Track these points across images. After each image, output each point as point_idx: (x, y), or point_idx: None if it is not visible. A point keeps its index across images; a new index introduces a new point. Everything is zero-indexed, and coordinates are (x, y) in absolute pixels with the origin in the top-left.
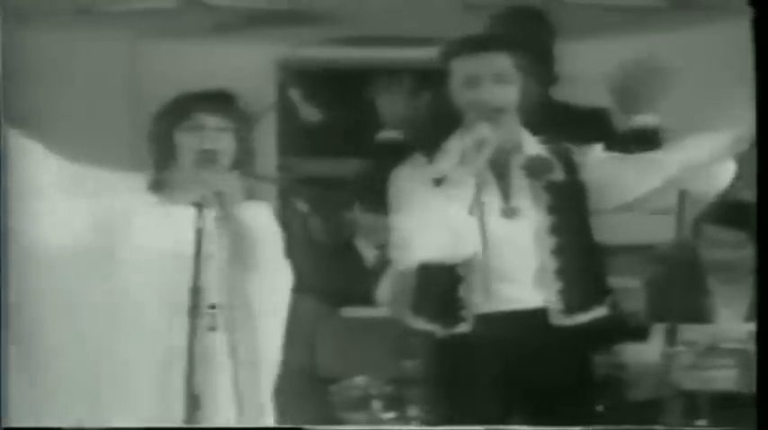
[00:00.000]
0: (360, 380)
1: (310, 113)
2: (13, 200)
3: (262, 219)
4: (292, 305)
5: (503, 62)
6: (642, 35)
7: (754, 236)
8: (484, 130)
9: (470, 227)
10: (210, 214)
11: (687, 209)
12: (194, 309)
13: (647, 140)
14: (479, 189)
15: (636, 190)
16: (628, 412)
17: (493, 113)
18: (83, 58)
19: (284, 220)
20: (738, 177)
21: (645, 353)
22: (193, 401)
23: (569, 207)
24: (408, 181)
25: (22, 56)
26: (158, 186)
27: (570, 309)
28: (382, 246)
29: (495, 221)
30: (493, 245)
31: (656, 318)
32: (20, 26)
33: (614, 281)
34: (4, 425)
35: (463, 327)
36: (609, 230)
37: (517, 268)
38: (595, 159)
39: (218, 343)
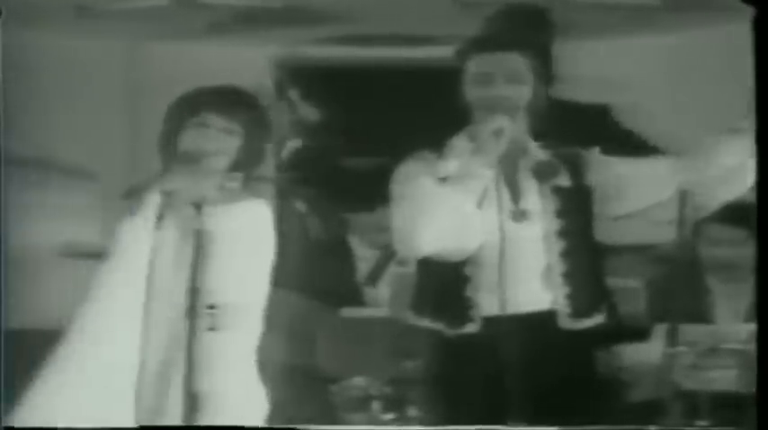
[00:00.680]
0: (359, 380)
1: (309, 113)
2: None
3: (255, 219)
4: (290, 304)
5: (516, 62)
6: (641, 35)
7: (754, 234)
8: (501, 121)
9: (477, 220)
10: (212, 214)
11: (688, 209)
12: (193, 310)
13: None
14: (497, 182)
15: (645, 199)
16: (628, 412)
17: (505, 111)
18: (79, 56)
19: (282, 220)
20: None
21: (645, 353)
22: (192, 401)
23: (576, 211)
24: (414, 176)
25: (21, 56)
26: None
27: (577, 312)
28: (380, 246)
29: (506, 223)
30: (503, 245)
31: (657, 318)
32: (20, 26)
33: (615, 281)
34: (3, 425)
35: (471, 328)
36: (609, 231)
37: (526, 270)
38: (602, 164)
39: (217, 342)
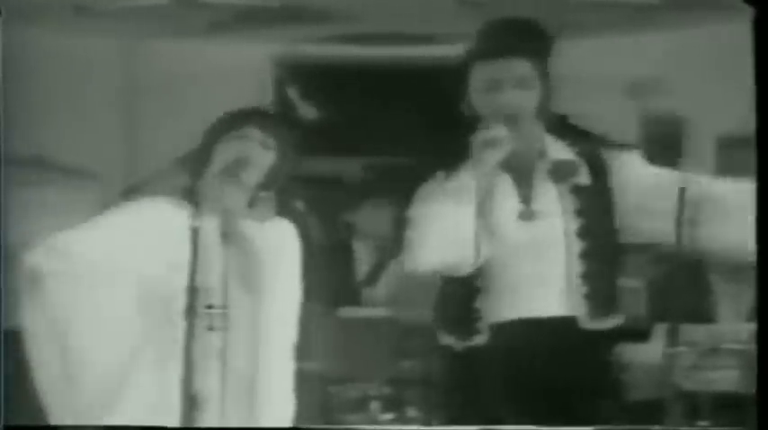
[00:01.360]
0: (358, 381)
1: (308, 111)
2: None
3: (278, 240)
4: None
5: (524, 68)
6: (641, 34)
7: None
8: (497, 131)
9: (473, 234)
10: (214, 227)
11: (687, 208)
12: (191, 309)
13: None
14: (488, 192)
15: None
16: (629, 412)
17: (510, 118)
18: (79, 55)
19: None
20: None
21: (646, 353)
22: (191, 402)
23: (597, 210)
24: (428, 196)
25: (21, 55)
26: (187, 194)
27: (596, 313)
28: (381, 248)
29: (514, 225)
30: (513, 249)
31: (657, 318)
32: (20, 25)
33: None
34: (3, 425)
35: (479, 339)
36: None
37: (540, 272)
38: (627, 165)
39: (215, 343)
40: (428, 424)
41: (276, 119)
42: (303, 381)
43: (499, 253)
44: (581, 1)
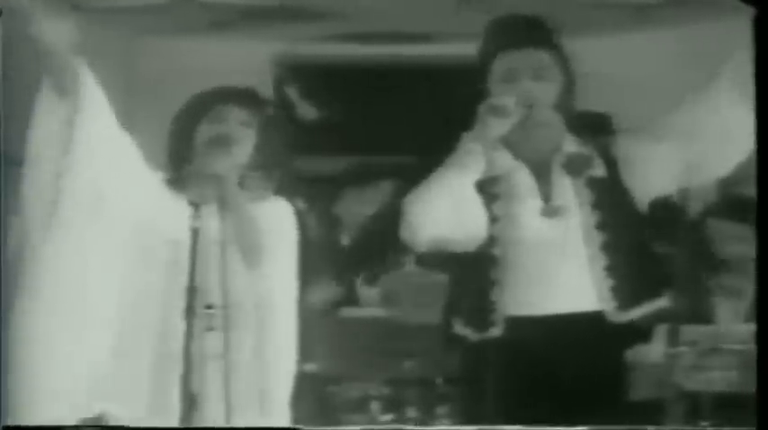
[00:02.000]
0: (358, 381)
1: (307, 111)
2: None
3: (277, 218)
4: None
5: (543, 59)
6: (643, 33)
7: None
8: (505, 100)
9: (478, 202)
10: (214, 214)
11: (691, 205)
12: (190, 309)
13: None
14: (508, 189)
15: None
16: (629, 412)
17: (527, 107)
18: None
19: None
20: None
21: (647, 353)
22: (190, 402)
23: (614, 202)
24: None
25: (21, 54)
26: (174, 185)
27: (624, 305)
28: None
29: (537, 222)
30: (535, 245)
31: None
32: (20, 24)
33: None
34: (3, 425)
35: (495, 331)
36: None
37: (563, 267)
38: (633, 151)
39: (215, 343)
40: (429, 423)
41: (250, 96)
42: (303, 382)
43: (520, 248)
44: (581, 1)
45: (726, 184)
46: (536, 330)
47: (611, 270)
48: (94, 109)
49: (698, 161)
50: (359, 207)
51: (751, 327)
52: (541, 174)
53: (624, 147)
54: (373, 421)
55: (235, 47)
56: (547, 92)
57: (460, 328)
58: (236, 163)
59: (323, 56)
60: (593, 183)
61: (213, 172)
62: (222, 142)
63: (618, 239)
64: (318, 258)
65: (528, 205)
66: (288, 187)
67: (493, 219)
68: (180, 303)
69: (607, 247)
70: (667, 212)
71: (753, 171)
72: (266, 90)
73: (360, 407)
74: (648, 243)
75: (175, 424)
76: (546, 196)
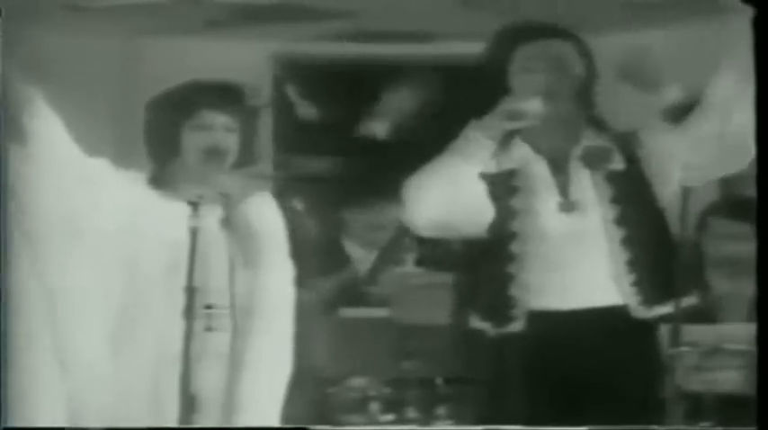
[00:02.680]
0: (358, 381)
1: (307, 110)
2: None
3: (266, 214)
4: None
5: (562, 48)
6: (650, 30)
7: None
8: (529, 104)
9: (480, 187)
10: (213, 214)
11: (691, 203)
12: (190, 310)
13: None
14: (541, 173)
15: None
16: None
17: (546, 98)
18: (76, 54)
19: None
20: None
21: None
22: (189, 402)
23: (635, 196)
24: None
25: (21, 54)
26: (158, 182)
27: (648, 300)
28: (380, 245)
29: (555, 218)
30: (554, 239)
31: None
32: (20, 24)
33: None
34: (3, 425)
35: (515, 326)
36: None
37: (583, 262)
38: (655, 142)
39: (215, 343)
40: (430, 423)
41: (228, 94)
42: (302, 382)
43: (539, 242)
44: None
45: (727, 184)
46: (558, 325)
47: (633, 265)
48: (51, 138)
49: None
50: (362, 209)
51: (753, 327)
52: (559, 168)
53: (644, 141)
54: (373, 421)
55: (234, 46)
56: (566, 81)
57: (478, 323)
58: (227, 167)
59: (322, 55)
60: (613, 177)
61: (208, 181)
62: (214, 153)
63: (639, 234)
64: (317, 258)
65: (546, 200)
66: (287, 187)
67: (511, 213)
68: (179, 303)
69: (628, 242)
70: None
71: (753, 171)
72: (257, 89)
73: (359, 407)
74: (671, 238)
75: (174, 424)
76: (564, 191)
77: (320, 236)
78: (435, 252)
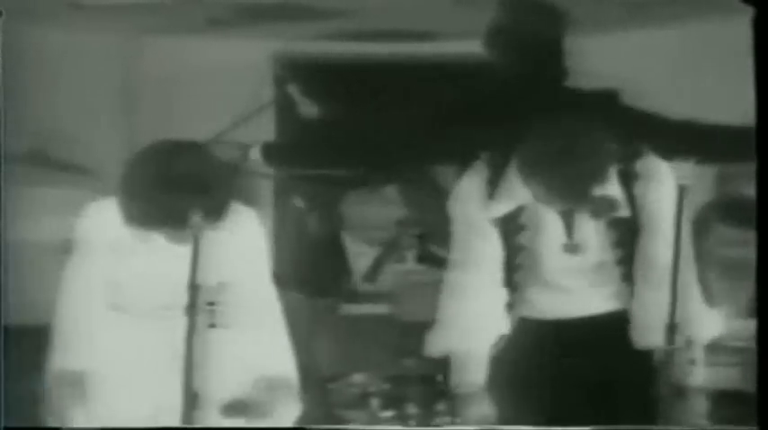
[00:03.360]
0: (358, 377)
1: (308, 109)
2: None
3: (248, 228)
4: (288, 302)
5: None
6: (648, 30)
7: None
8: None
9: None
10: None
11: (686, 205)
12: (192, 307)
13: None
14: (535, 223)
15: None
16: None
17: None
18: (77, 52)
19: (280, 217)
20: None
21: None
22: (192, 400)
23: (635, 237)
24: (467, 203)
25: (21, 52)
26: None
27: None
28: (380, 242)
29: (558, 258)
30: (556, 273)
31: None
32: (20, 23)
33: None
34: (3, 426)
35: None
36: None
37: (582, 291)
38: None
39: (216, 340)
40: (429, 420)
41: (206, 181)
42: (303, 378)
43: (542, 272)
44: None
45: (723, 181)
46: (549, 328)
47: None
48: None
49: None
50: (362, 207)
51: (752, 324)
52: (565, 213)
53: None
54: (373, 417)
55: (235, 45)
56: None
57: None
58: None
59: (323, 54)
60: (617, 224)
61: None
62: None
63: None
64: (318, 256)
65: (551, 239)
66: (288, 185)
67: (518, 249)
68: (182, 300)
69: (627, 279)
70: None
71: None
72: (258, 87)
73: (360, 403)
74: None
75: (176, 423)
76: (569, 231)
77: (321, 232)
78: (437, 249)
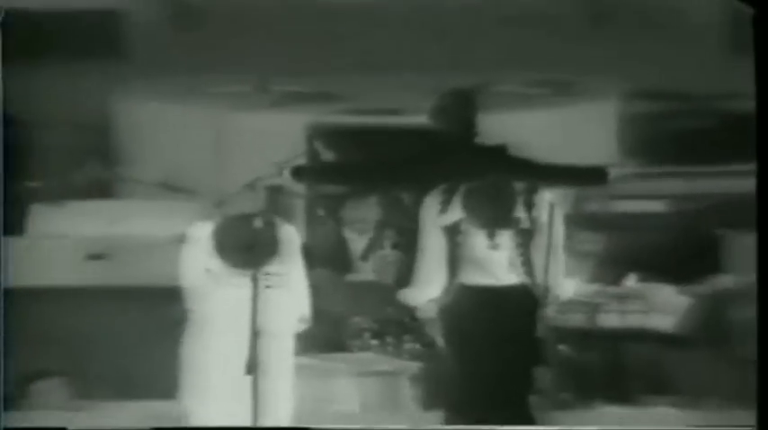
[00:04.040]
0: (356, 319)
1: (328, 156)
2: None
3: (288, 234)
4: (313, 275)
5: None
6: (552, 108)
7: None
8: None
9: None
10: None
11: (555, 217)
12: (255, 277)
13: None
14: (464, 231)
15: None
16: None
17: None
18: (185, 121)
19: (310, 222)
20: None
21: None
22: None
23: (531, 242)
24: (428, 213)
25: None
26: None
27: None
28: (370, 234)
29: (484, 252)
30: (482, 262)
31: None
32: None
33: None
34: (3, 426)
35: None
36: None
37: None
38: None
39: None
40: (400, 347)
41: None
42: (322, 318)
43: (473, 263)
44: (502, 88)
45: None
46: (477, 293)
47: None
48: None
49: None
50: (356, 212)
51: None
52: (489, 225)
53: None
54: (365, 345)
55: (284, 118)
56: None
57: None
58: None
59: (339, 122)
60: (521, 232)
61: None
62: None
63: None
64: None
65: (479, 241)
66: (314, 201)
67: (457, 245)
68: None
69: (526, 264)
70: None
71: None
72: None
73: (356, 335)
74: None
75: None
76: (491, 236)
77: (332, 229)
78: (406, 241)
